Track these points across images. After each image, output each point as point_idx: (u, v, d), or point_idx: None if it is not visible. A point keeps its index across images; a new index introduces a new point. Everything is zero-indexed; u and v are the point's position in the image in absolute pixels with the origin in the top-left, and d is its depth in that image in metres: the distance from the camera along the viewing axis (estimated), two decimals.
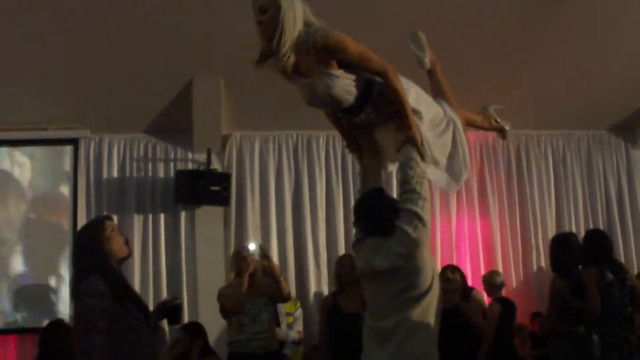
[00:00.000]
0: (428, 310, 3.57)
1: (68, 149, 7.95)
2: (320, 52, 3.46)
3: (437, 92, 4.28)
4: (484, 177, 8.83)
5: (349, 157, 8.38)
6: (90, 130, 7.90)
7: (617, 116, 9.19)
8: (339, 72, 3.52)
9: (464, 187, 8.63)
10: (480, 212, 8.80)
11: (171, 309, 4.08)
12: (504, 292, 8.44)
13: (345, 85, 3.56)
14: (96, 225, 3.85)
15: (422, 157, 3.66)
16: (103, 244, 3.69)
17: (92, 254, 3.66)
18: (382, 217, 3.66)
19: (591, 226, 9.05)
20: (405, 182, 3.65)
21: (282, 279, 6.61)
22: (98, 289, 3.48)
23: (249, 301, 6.47)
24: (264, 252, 6.70)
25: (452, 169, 4.04)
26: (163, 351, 6.11)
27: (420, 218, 3.56)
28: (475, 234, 8.71)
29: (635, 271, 8.53)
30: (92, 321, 3.42)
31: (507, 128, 4.71)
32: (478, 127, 4.66)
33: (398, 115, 3.67)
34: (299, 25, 3.44)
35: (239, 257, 6.77)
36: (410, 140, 3.63)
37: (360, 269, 3.79)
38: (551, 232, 8.89)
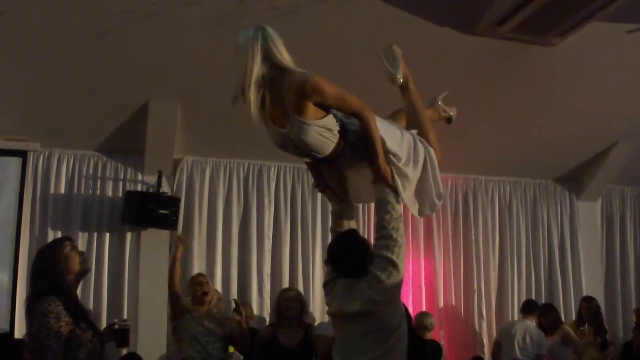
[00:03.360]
0: (394, 349, 3.61)
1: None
2: (294, 97, 3.39)
3: (410, 109, 4.26)
4: (430, 219, 8.92)
5: (299, 190, 8.42)
6: (40, 144, 7.78)
7: (563, 167, 9.45)
8: (314, 121, 3.45)
9: (410, 227, 8.73)
10: (425, 252, 8.89)
11: (119, 332, 4.08)
12: (443, 334, 8.57)
13: (320, 133, 3.50)
14: (55, 245, 3.86)
15: (394, 191, 3.68)
16: (60, 263, 3.70)
17: (50, 274, 3.67)
18: (355, 259, 3.70)
19: (532, 272, 9.24)
20: (381, 228, 3.65)
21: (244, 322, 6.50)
22: (53, 310, 3.48)
23: (196, 312, 6.50)
24: (238, 308, 6.51)
25: (426, 197, 3.97)
26: None
27: (395, 265, 3.57)
28: (418, 274, 8.79)
29: (573, 318, 8.72)
30: (45, 342, 3.43)
31: (452, 114, 4.71)
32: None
33: (371, 160, 3.68)
34: (257, 68, 3.38)
35: (195, 282, 6.77)
36: (381, 179, 3.65)
37: (331, 310, 3.82)
38: (493, 277, 9.07)
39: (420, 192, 3.94)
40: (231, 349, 7.09)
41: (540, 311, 8.28)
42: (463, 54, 7.05)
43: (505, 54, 7.06)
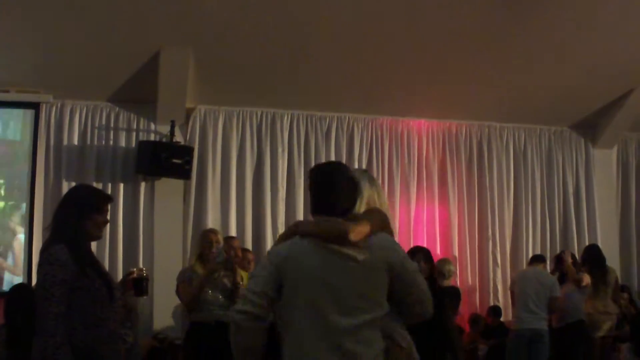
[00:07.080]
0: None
1: None
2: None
3: None
4: (445, 165, 8.91)
5: (312, 138, 8.40)
6: (52, 96, 7.76)
7: (579, 114, 9.35)
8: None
9: (424, 173, 8.73)
10: (440, 199, 8.86)
11: (137, 280, 4.07)
12: (459, 280, 8.56)
13: None
14: (87, 197, 3.74)
15: None
16: (83, 218, 3.59)
17: (68, 222, 3.58)
18: (340, 195, 3.22)
19: (547, 220, 9.19)
20: None
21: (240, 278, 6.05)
22: (60, 259, 3.42)
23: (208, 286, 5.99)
24: (229, 245, 6.44)
25: None
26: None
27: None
28: (433, 220, 8.78)
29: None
30: (49, 290, 3.37)
31: None
32: None
33: None
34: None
35: (204, 239, 6.24)
36: None
37: None
38: (508, 224, 9.04)
39: None
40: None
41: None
42: (477, 1, 6.96)
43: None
